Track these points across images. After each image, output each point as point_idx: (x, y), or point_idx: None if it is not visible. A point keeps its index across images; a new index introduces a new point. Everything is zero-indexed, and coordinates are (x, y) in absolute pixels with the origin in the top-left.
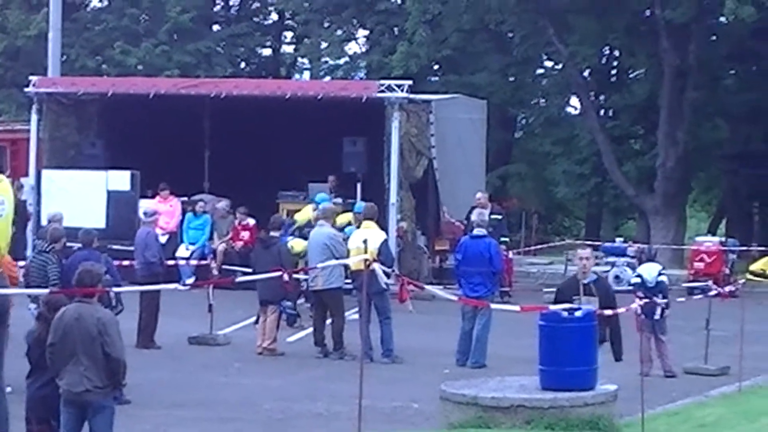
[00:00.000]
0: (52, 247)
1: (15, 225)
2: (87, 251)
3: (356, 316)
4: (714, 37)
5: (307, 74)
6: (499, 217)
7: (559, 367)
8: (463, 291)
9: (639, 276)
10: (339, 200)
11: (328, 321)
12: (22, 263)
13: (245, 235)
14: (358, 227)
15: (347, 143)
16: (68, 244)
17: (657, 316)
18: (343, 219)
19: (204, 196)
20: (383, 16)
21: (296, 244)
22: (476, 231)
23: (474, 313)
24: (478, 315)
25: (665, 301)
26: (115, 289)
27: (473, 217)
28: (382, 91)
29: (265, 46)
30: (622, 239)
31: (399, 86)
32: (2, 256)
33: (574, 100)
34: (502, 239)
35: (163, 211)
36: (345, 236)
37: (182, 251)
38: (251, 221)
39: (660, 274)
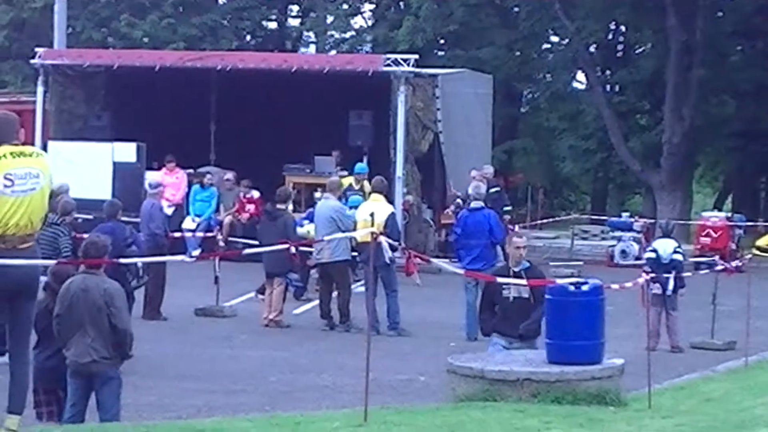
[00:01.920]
0: (63, 219)
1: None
2: (112, 223)
3: (363, 288)
4: (720, 14)
5: (312, 48)
6: (497, 189)
7: (566, 341)
8: (462, 264)
9: (654, 251)
10: (345, 173)
11: (335, 294)
12: None
13: (251, 207)
14: (360, 189)
15: (353, 117)
16: (76, 215)
17: (669, 291)
18: (344, 182)
19: (210, 169)
20: None
21: (312, 229)
22: (473, 204)
23: (476, 284)
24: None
25: (682, 275)
26: (122, 260)
27: (469, 190)
28: (388, 65)
29: (270, 20)
30: (628, 214)
31: (405, 60)
32: (34, 231)
33: (580, 76)
34: (505, 210)
35: (169, 183)
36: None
37: (188, 223)
38: (256, 194)
39: (675, 251)
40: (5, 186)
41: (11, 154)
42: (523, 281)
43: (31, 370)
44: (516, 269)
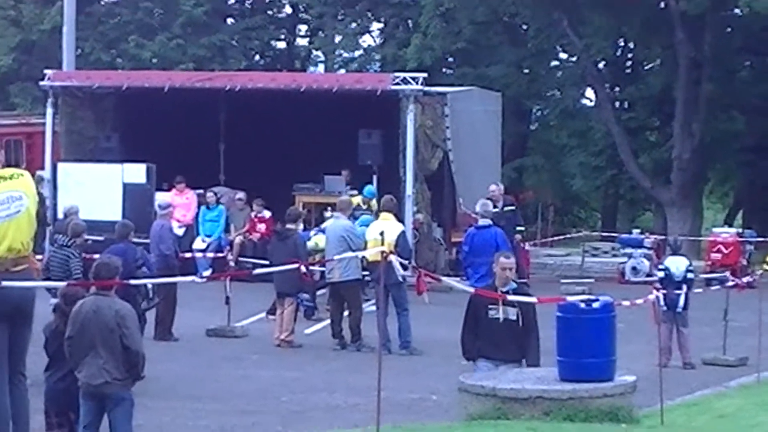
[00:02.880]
0: (74, 241)
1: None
2: (123, 244)
3: (374, 308)
4: (729, 29)
5: (321, 67)
6: (512, 208)
7: (578, 359)
8: (470, 282)
9: (666, 269)
10: (355, 192)
11: (346, 313)
12: (39, 256)
13: (262, 227)
14: (368, 209)
15: (362, 135)
16: (86, 237)
17: (680, 308)
18: (353, 201)
19: (220, 189)
20: (397, 9)
21: (320, 240)
22: (481, 221)
23: None
24: None
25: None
26: (132, 282)
27: (477, 208)
28: (397, 84)
29: (279, 39)
30: (638, 231)
31: (414, 79)
32: (27, 252)
33: (590, 92)
34: (518, 229)
35: (179, 203)
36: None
37: (199, 244)
38: (267, 213)
39: (688, 270)
40: None
41: None
42: (533, 298)
43: (27, 393)
44: (503, 289)
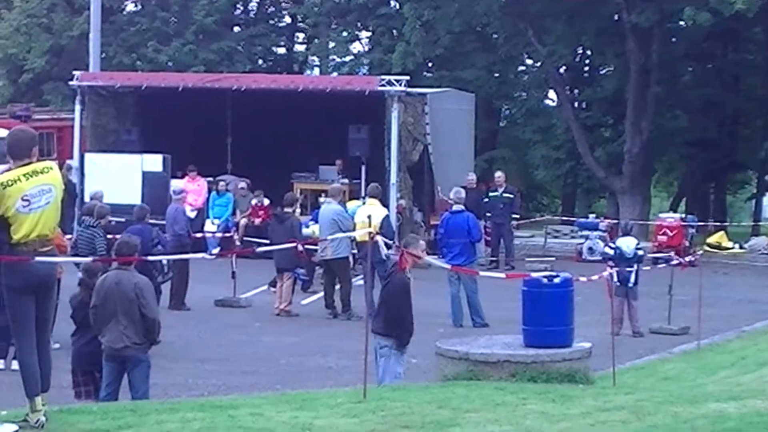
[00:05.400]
0: (99, 222)
1: (64, 203)
2: (140, 225)
3: (361, 282)
4: (674, 39)
5: (316, 70)
6: (511, 196)
7: (540, 327)
8: (445, 260)
9: (618, 248)
10: (345, 180)
11: (337, 286)
12: (69, 236)
13: (262, 213)
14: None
15: (352, 130)
16: (110, 218)
17: (631, 283)
18: (351, 205)
19: (226, 177)
20: (383, 20)
21: (317, 230)
22: (455, 207)
23: (458, 278)
24: (464, 281)
25: (634, 269)
26: (150, 258)
27: (451, 195)
28: (383, 85)
29: (279, 46)
30: (594, 215)
31: (397, 81)
32: (53, 236)
33: (552, 94)
34: (513, 216)
35: (191, 189)
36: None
37: (209, 225)
38: (266, 201)
39: (637, 248)
40: (23, 206)
41: (24, 176)
42: (501, 274)
43: (51, 353)
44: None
